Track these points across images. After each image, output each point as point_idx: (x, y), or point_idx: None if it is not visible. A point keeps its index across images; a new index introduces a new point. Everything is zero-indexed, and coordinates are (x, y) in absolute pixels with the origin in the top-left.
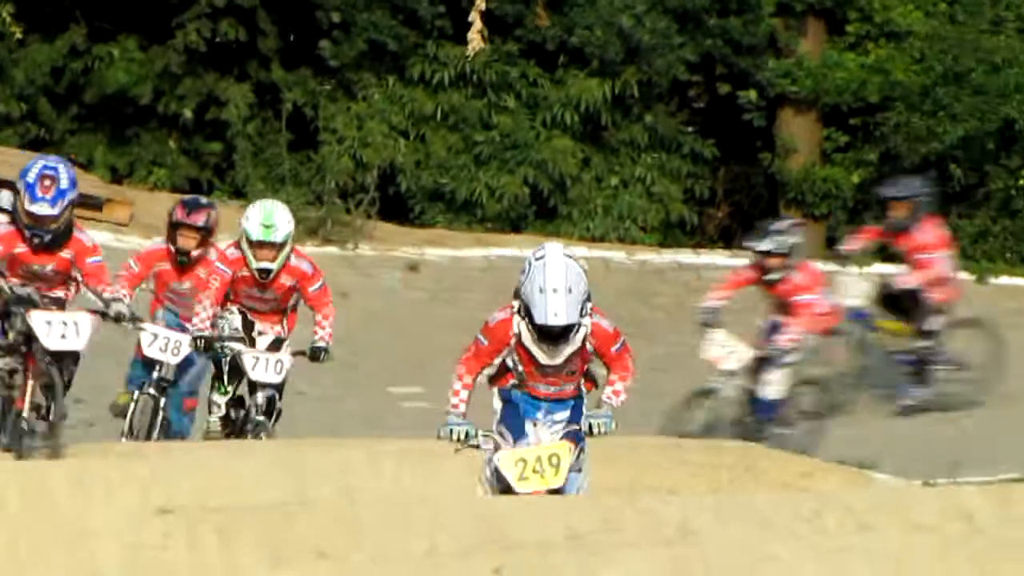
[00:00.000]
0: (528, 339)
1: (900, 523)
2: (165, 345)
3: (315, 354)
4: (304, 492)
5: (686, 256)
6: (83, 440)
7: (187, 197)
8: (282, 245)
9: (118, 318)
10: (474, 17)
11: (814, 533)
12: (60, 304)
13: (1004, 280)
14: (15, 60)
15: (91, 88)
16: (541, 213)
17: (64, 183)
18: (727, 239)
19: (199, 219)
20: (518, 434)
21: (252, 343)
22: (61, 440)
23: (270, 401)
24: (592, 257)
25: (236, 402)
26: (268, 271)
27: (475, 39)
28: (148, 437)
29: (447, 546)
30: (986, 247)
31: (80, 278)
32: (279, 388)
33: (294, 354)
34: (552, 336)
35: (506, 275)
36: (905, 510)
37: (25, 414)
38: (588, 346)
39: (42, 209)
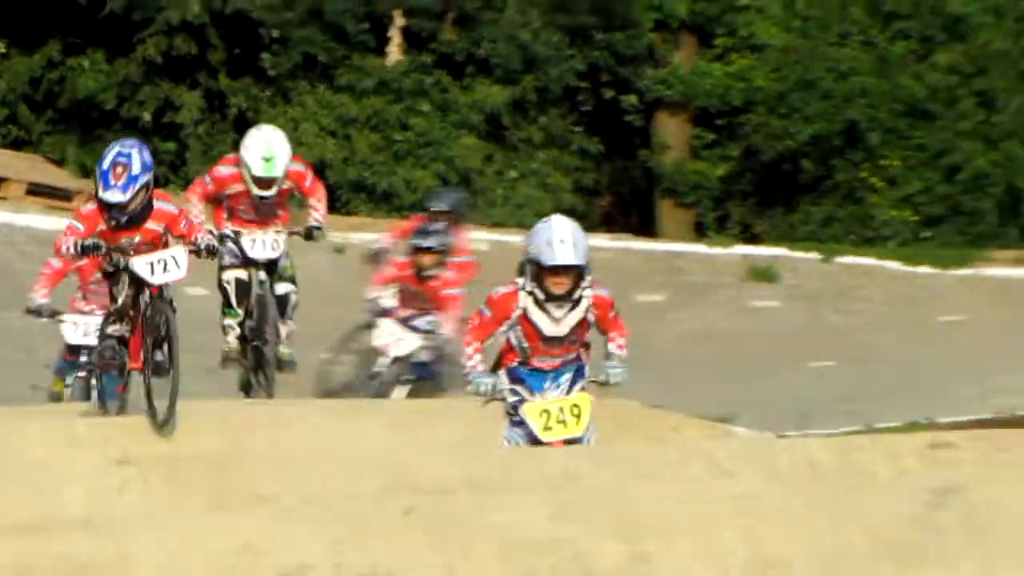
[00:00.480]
0: (534, 311)
1: (755, 471)
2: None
3: (310, 233)
4: (241, 445)
5: None
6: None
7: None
8: (282, 178)
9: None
10: (393, 33)
11: (681, 480)
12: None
13: (848, 259)
14: None
15: (64, 95)
16: None
17: (136, 169)
18: (609, 224)
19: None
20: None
21: (245, 259)
22: (178, 388)
23: (285, 297)
24: (492, 240)
25: (247, 321)
26: (267, 198)
27: (394, 52)
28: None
29: (365, 490)
30: (832, 231)
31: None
32: (293, 280)
33: (291, 233)
34: (560, 286)
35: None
36: (759, 459)
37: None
38: (590, 317)
39: (114, 196)
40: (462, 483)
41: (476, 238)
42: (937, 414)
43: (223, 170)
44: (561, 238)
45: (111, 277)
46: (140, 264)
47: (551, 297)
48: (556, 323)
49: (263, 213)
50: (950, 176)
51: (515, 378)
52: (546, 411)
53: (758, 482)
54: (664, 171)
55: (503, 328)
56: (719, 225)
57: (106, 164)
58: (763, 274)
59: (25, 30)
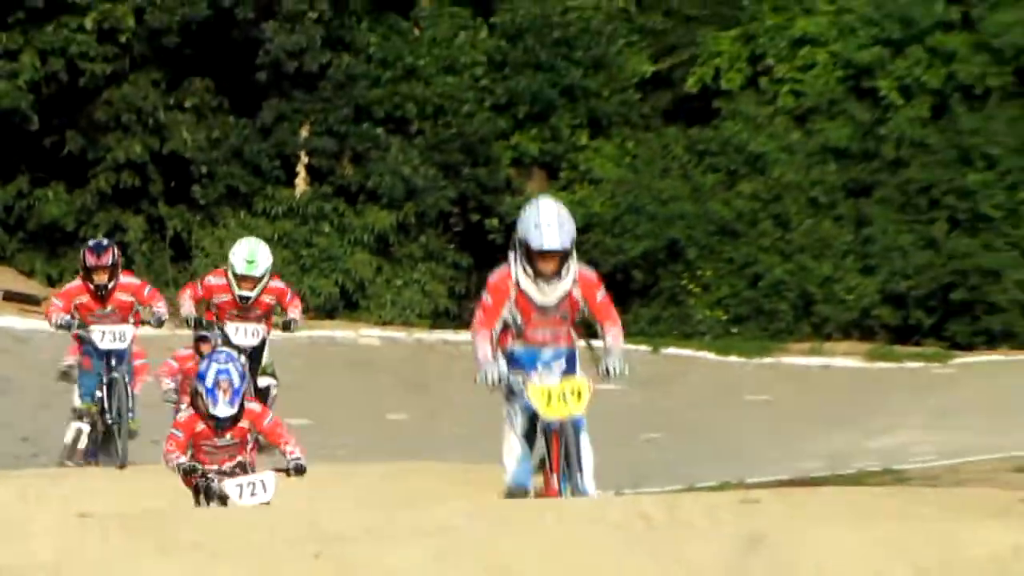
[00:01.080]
0: (525, 281)
1: (596, 521)
2: (113, 336)
3: (288, 324)
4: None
5: (449, 335)
6: (27, 467)
7: (92, 242)
8: (261, 278)
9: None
10: (300, 168)
11: (537, 530)
12: (257, 322)
13: (672, 350)
14: None
15: (32, 219)
16: (348, 305)
17: (236, 381)
18: None
19: (107, 259)
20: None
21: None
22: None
23: (266, 390)
24: (383, 336)
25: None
26: (247, 298)
27: (301, 184)
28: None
29: (282, 537)
30: (659, 328)
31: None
32: (274, 375)
33: (271, 326)
34: (547, 266)
35: (323, 350)
36: (602, 511)
37: None
38: (576, 293)
39: (220, 411)
40: (361, 531)
41: (368, 335)
42: (747, 475)
43: (212, 280)
44: (548, 222)
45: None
46: (230, 486)
47: (540, 275)
48: (545, 294)
49: (250, 319)
50: (753, 283)
51: (511, 359)
52: (548, 392)
53: (600, 530)
54: None
55: (504, 309)
56: None
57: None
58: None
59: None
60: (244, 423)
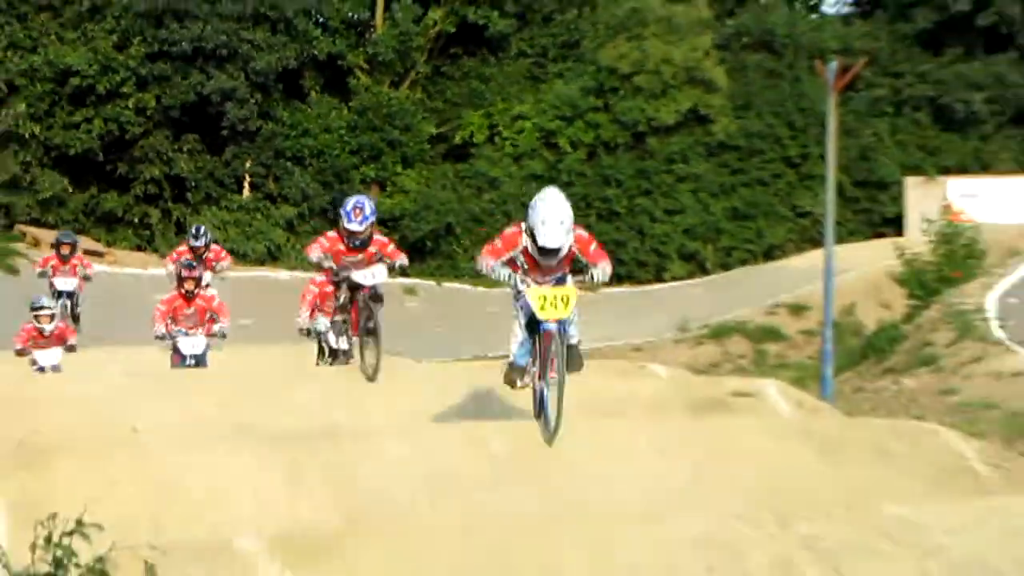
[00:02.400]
0: (531, 249)
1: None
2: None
3: (394, 267)
4: None
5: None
6: None
7: (194, 227)
8: (365, 227)
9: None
10: (246, 184)
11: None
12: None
13: (448, 284)
14: None
15: (98, 210)
16: (271, 259)
17: (367, 212)
18: None
19: (203, 240)
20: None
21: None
22: (381, 346)
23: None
24: (291, 275)
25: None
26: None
27: (246, 192)
28: None
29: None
30: (441, 272)
31: (386, 258)
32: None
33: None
34: (549, 259)
35: (262, 283)
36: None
37: (357, 340)
38: (574, 248)
39: (354, 227)
40: None
41: (282, 275)
42: (488, 352)
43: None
44: (546, 219)
45: (336, 285)
46: (358, 275)
47: (544, 252)
48: (547, 262)
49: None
50: None
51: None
52: (544, 296)
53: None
54: None
55: (510, 253)
56: None
57: (348, 207)
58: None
59: None
60: (372, 248)
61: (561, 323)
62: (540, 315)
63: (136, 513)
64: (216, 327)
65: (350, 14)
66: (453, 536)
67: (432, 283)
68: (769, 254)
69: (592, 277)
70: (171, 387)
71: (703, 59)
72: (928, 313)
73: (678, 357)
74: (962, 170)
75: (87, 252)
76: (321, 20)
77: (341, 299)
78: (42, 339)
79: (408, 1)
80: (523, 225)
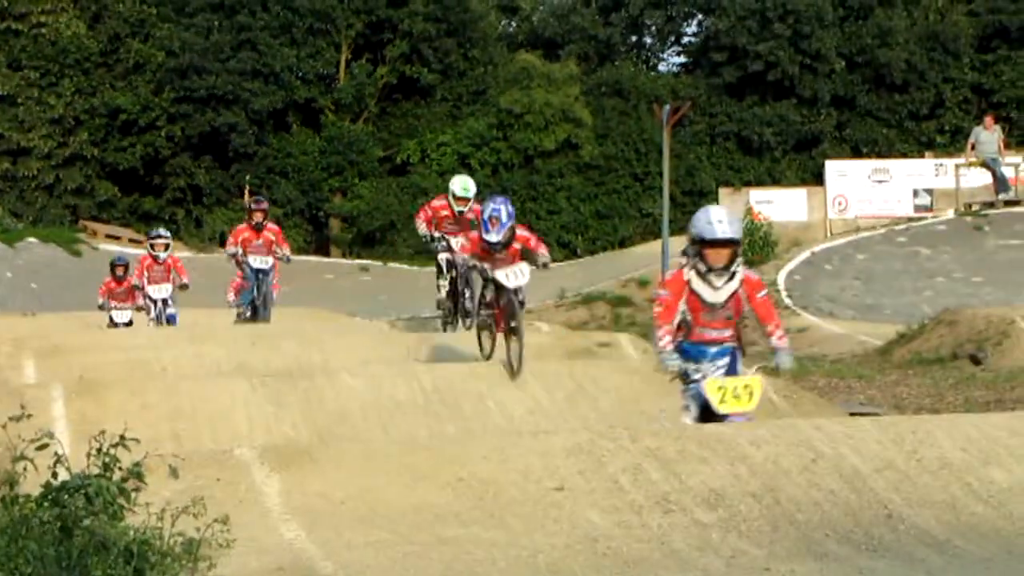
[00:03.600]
0: (696, 281)
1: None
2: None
3: (544, 266)
4: None
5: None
6: None
7: (256, 197)
8: (470, 199)
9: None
10: (246, 192)
11: None
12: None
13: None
14: None
15: (140, 209)
16: None
17: (504, 218)
18: None
19: (263, 204)
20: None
21: (450, 248)
22: (523, 337)
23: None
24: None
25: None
26: (462, 212)
27: (246, 197)
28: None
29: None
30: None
31: (534, 253)
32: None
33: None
34: (719, 258)
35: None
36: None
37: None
38: (741, 292)
39: (492, 238)
40: None
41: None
42: (397, 316)
43: (435, 203)
44: (719, 219)
45: (484, 283)
46: (500, 275)
47: (712, 269)
48: (716, 291)
49: (461, 225)
50: None
51: (680, 352)
52: (723, 387)
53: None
54: None
55: (680, 303)
56: None
57: (486, 215)
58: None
59: None
60: (516, 245)
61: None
62: (720, 408)
63: (163, 430)
64: (280, 252)
65: (321, 70)
66: (392, 447)
67: (380, 263)
68: (622, 243)
69: (777, 365)
70: (191, 337)
71: (573, 103)
72: None
73: (557, 318)
74: (759, 183)
75: (131, 241)
76: (300, 74)
77: (488, 297)
78: (155, 266)
79: (363, 61)
80: (683, 260)
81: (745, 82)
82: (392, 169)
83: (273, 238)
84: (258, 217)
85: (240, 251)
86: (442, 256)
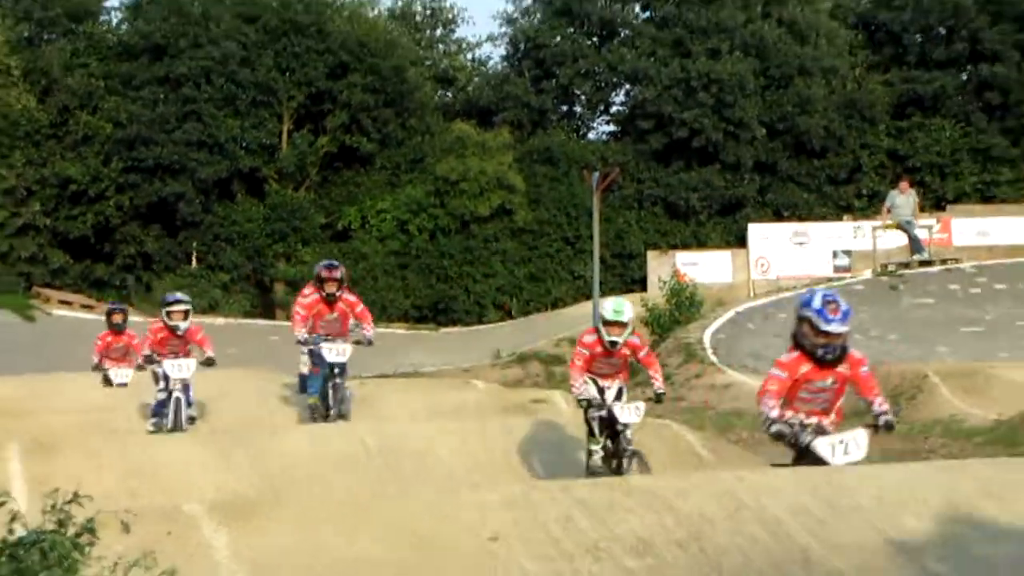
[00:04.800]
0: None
1: None
2: (337, 351)
3: (659, 398)
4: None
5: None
6: None
7: (324, 261)
8: (626, 324)
9: (659, 399)
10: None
11: None
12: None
13: None
14: None
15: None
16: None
17: (844, 307)
18: None
19: (336, 273)
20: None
21: (601, 394)
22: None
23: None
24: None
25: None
26: (615, 343)
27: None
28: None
29: None
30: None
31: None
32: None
33: (646, 400)
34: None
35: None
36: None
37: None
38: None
39: (836, 328)
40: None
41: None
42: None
43: (587, 338)
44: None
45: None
46: (822, 445)
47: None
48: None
49: (613, 367)
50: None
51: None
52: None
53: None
54: None
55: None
56: None
57: (816, 304)
58: None
59: None
60: (843, 367)
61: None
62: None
63: (117, 487)
64: (365, 333)
65: (264, 140)
66: (336, 504)
67: None
68: (555, 304)
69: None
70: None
71: (507, 170)
72: (664, 344)
73: (493, 376)
74: (685, 246)
75: (83, 306)
76: (244, 144)
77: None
78: (172, 339)
79: (304, 131)
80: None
81: (671, 148)
82: (334, 235)
83: (349, 311)
84: (331, 288)
85: (306, 334)
86: (596, 415)
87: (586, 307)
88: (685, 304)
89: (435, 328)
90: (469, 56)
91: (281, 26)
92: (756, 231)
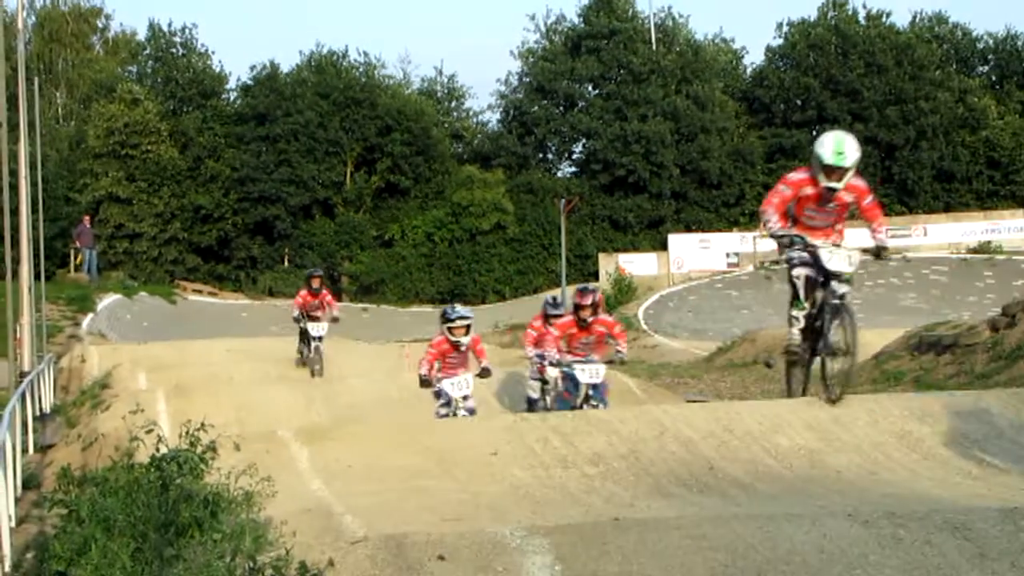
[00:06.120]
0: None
1: None
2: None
3: (878, 252)
4: None
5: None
6: None
7: (579, 285)
8: (848, 169)
9: (882, 256)
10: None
11: None
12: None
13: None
14: None
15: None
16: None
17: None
18: None
19: (588, 299)
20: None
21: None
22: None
23: (844, 295)
24: None
25: (814, 315)
26: (834, 189)
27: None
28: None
29: None
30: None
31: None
32: (850, 282)
33: (864, 251)
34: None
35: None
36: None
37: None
38: (849, 199)
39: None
40: None
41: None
42: None
43: (793, 176)
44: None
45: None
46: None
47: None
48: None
49: (827, 218)
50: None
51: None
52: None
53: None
54: None
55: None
56: None
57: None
58: None
59: None
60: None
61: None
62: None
63: (230, 419)
64: (616, 354)
65: (334, 178)
66: (383, 428)
67: (375, 305)
68: (535, 290)
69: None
70: (250, 357)
71: (501, 198)
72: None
73: (494, 340)
74: (625, 250)
75: (209, 293)
76: (320, 181)
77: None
78: (453, 354)
79: (361, 172)
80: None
81: (614, 183)
82: (382, 243)
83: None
84: (586, 313)
85: (553, 354)
86: (800, 271)
87: (556, 292)
88: (625, 290)
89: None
90: (475, 120)
91: (345, 100)
92: (674, 240)
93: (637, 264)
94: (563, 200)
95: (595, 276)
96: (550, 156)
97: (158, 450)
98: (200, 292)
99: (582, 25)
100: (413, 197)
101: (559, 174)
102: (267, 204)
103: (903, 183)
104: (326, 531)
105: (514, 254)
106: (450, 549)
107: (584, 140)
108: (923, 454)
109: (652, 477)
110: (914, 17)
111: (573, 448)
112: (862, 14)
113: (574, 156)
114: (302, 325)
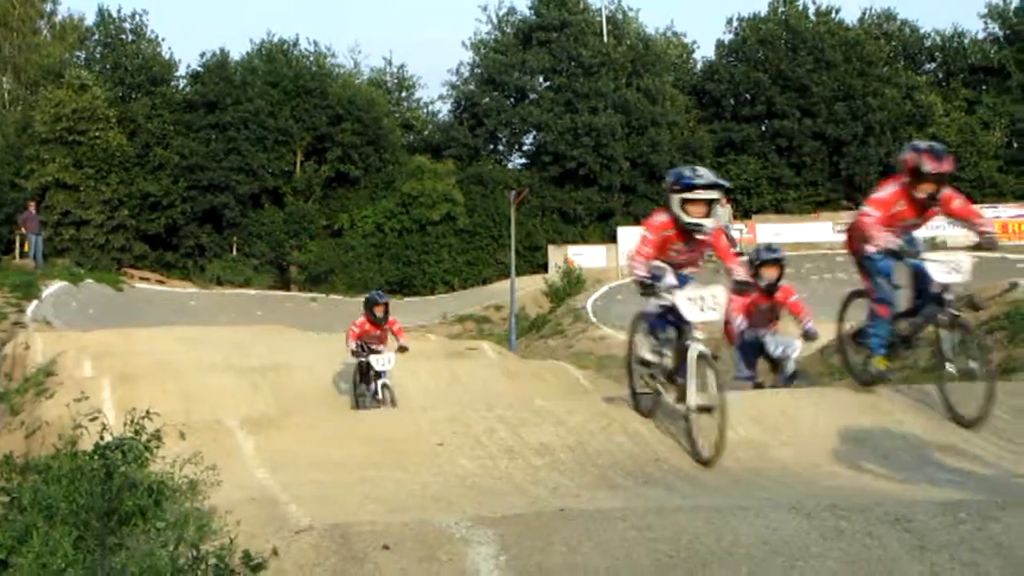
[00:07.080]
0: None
1: None
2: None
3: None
4: None
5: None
6: None
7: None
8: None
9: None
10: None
11: None
12: None
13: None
14: None
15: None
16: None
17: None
18: None
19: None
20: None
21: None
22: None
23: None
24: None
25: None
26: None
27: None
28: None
29: None
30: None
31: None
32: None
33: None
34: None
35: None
36: None
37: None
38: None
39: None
40: None
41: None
42: None
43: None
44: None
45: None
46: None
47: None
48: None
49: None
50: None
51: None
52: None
53: None
54: None
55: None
56: None
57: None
58: None
59: None
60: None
61: None
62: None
63: (176, 407)
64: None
65: (284, 167)
66: (331, 418)
67: (324, 295)
68: (484, 282)
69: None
70: (198, 345)
71: (452, 188)
72: (560, 309)
73: (442, 331)
74: (574, 242)
75: (157, 281)
76: (270, 170)
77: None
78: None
79: (311, 161)
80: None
81: (564, 175)
82: (332, 233)
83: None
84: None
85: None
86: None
87: (505, 283)
88: (574, 282)
89: (401, 297)
90: (425, 110)
91: (295, 89)
92: (623, 232)
93: (586, 256)
94: (513, 192)
95: (544, 268)
96: (501, 148)
97: (102, 438)
98: (148, 280)
99: (533, 17)
100: (363, 187)
101: (509, 165)
102: (216, 192)
103: (850, 179)
104: (271, 520)
105: (464, 245)
106: (395, 539)
107: (535, 132)
108: (871, 447)
109: (598, 468)
110: (863, 14)
111: (519, 439)
112: (812, 10)
113: (524, 148)
114: (363, 359)
